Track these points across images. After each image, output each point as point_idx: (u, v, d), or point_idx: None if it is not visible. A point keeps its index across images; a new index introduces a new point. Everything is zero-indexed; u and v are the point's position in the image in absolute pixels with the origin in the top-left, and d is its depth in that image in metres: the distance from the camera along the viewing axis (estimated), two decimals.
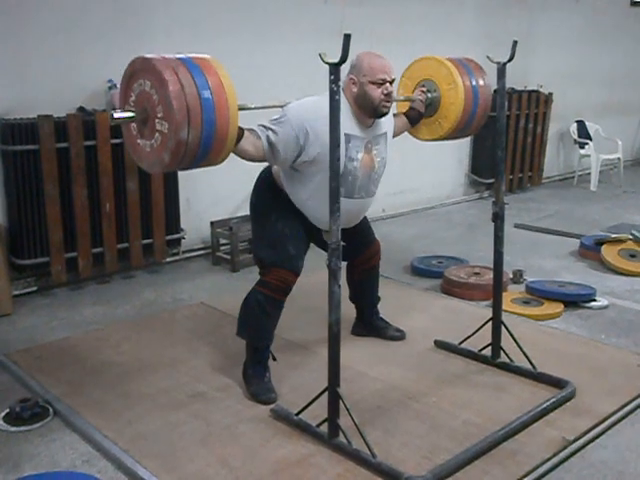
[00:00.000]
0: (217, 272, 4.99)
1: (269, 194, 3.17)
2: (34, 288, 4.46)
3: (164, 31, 4.86)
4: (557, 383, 3.10)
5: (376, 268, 3.60)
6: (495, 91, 3.25)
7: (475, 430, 2.76)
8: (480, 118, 3.55)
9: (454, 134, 3.59)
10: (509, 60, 3.09)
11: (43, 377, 3.24)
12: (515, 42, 3.06)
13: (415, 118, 3.54)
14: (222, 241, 5.14)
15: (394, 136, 3.39)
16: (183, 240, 5.07)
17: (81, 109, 4.45)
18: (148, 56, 2.50)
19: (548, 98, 7.70)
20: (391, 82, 3.01)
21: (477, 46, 6.67)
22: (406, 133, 3.61)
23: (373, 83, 2.96)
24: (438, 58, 3.52)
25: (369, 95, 2.97)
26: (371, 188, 3.20)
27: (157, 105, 2.43)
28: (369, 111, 3.02)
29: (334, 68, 2.36)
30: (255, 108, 2.82)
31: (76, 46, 4.45)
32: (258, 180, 3.25)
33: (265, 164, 3.12)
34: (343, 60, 2.34)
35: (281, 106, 2.95)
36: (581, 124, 8.26)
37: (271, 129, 2.86)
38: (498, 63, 3.10)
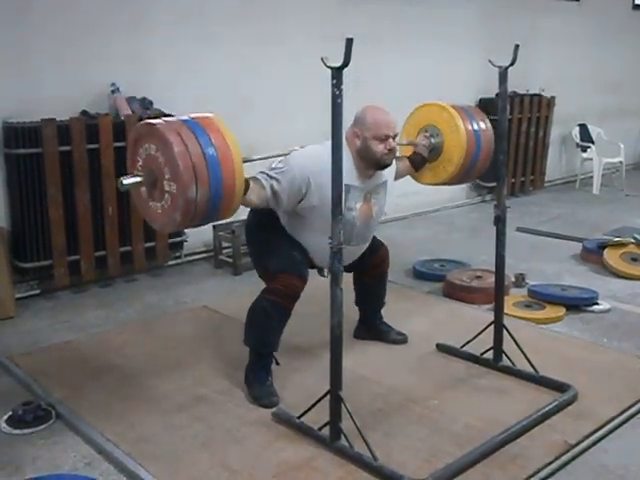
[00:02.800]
0: (219, 275, 4.99)
1: (267, 227, 3.18)
2: (37, 291, 4.47)
3: (167, 35, 4.88)
4: (559, 387, 3.10)
5: (384, 275, 3.60)
6: (497, 95, 3.26)
7: (476, 433, 2.76)
8: (483, 161, 3.59)
9: (458, 178, 3.65)
10: (511, 64, 3.09)
11: (45, 380, 3.25)
12: (517, 46, 3.06)
13: (419, 162, 3.59)
14: (224, 244, 5.15)
15: (396, 179, 3.44)
16: (185, 243, 5.08)
17: (84, 113, 4.47)
18: (151, 121, 2.60)
19: (550, 101, 7.70)
20: (394, 137, 3.06)
21: (479, 50, 6.70)
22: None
23: (376, 138, 3.01)
24: (440, 104, 3.59)
25: (372, 150, 3.02)
26: (368, 235, 3.29)
27: (164, 167, 2.50)
28: (372, 164, 3.08)
29: (336, 72, 2.37)
30: (259, 159, 2.92)
31: (79, 50, 4.47)
32: (253, 219, 3.28)
33: None
34: (345, 64, 2.35)
35: (284, 154, 3.02)
36: (583, 127, 8.26)
37: (275, 178, 2.92)
38: (500, 67, 3.11)
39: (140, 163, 2.62)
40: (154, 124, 2.55)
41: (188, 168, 2.43)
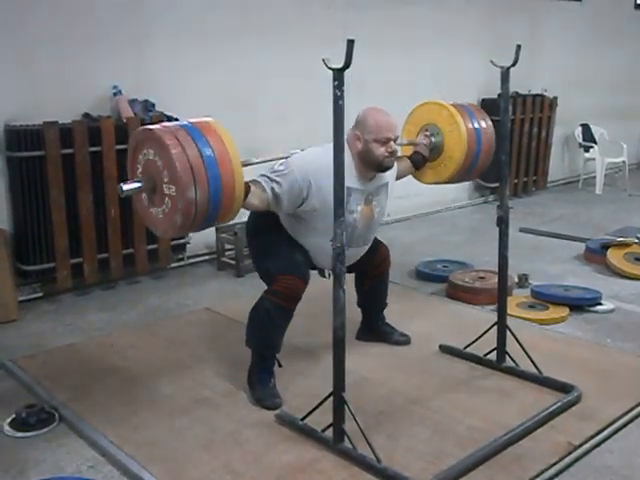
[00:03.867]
0: (222, 277, 4.99)
1: (268, 228, 3.17)
2: (39, 294, 4.48)
3: (169, 37, 4.89)
4: (562, 388, 3.09)
5: (385, 275, 3.60)
6: (499, 95, 3.26)
7: (480, 435, 2.76)
8: (485, 159, 3.60)
9: (459, 176, 3.64)
10: (512, 65, 3.09)
11: (49, 383, 3.25)
12: (519, 46, 3.05)
13: (419, 162, 3.59)
14: (227, 246, 5.15)
15: (397, 179, 3.44)
16: (188, 245, 5.08)
17: (86, 115, 4.47)
18: (148, 127, 2.61)
19: (553, 102, 7.69)
20: (395, 139, 3.06)
21: (481, 50, 6.69)
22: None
23: (377, 141, 3.00)
24: (439, 102, 3.59)
25: (373, 152, 3.02)
26: (369, 237, 3.29)
27: (163, 170, 2.51)
28: (373, 166, 3.08)
29: (338, 73, 2.37)
30: (258, 162, 2.92)
31: (81, 52, 4.47)
32: (254, 221, 3.27)
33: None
34: (347, 65, 2.35)
35: (285, 157, 3.01)
36: (586, 128, 8.25)
37: (276, 181, 2.91)
38: (502, 68, 3.10)
39: (140, 170, 2.64)
40: (151, 129, 2.56)
41: (186, 169, 2.44)
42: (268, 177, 2.93)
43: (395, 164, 3.27)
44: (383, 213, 3.31)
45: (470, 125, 3.50)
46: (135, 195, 2.69)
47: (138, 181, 2.62)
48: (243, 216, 5.18)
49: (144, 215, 2.73)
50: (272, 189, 2.90)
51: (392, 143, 3.04)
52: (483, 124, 3.55)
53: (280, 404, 3.00)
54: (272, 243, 3.14)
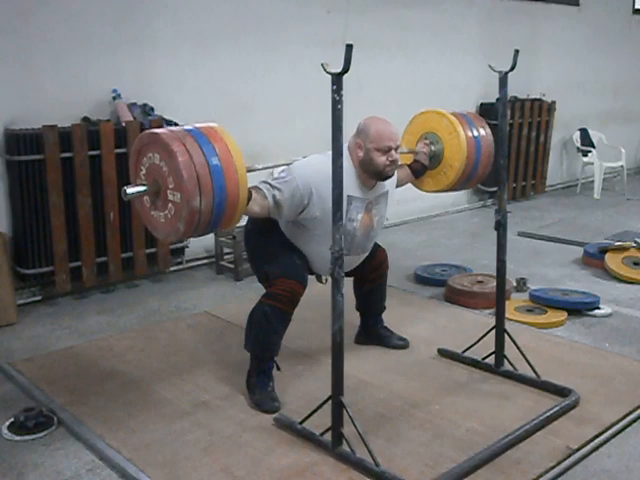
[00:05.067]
0: (221, 281, 5.00)
1: (267, 232, 3.17)
2: (38, 297, 4.48)
3: (168, 41, 4.90)
4: (561, 391, 3.10)
5: (383, 278, 3.60)
6: (497, 100, 3.27)
7: (478, 439, 2.76)
8: (484, 167, 3.60)
9: (459, 184, 3.64)
10: (511, 69, 3.10)
11: (47, 386, 3.25)
12: (517, 51, 3.07)
13: (419, 171, 3.59)
14: (226, 250, 5.16)
15: (397, 187, 3.44)
16: (187, 249, 5.09)
17: (86, 119, 4.48)
18: (155, 130, 2.60)
19: (551, 106, 7.71)
20: (396, 149, 3.05)
21: (479, 54, 6.72)
22: None
23: (379, 150, 2.99)
24: (438, 110, 3.59)
25: (374, 161, 3.01)
26: (367, 245, 3.28)
27: (168, 176, 2.50)
28: (374, 175, 3.08)
29: (336, 78, 2.38)
30: (263, 168, 2.93)
31: (80, 56, 4.48)
32: (252, 224, 3.25)
33: None
34: (345, 70, 2.36)
35: (287, 164, 3.02)
36: (584, 132, 8.28)
37: (277, 188, 2.92)
38: (500, 72, 3.11)
39: (143, 172, 2.62)
40: (158, 133, 2.54)
41: (192, 178, 2.43)
42: (270, 184, 2.93)
43: (395, 172, 3.28)
44: (382, 222, 3.32)
45: (470, 133, 3.50)
46: (137, 197, 2.67)
47: (143, 184, 2.61)
48: (242, 220, 5.22)
49: (145, 217, 2.73)
50: (273, 196, 2.90)
51: (393, 152, 3.03)
52: (482, 132, 3.55)
53: (278, 408, 3.00)
54: (271, 246, 3.14)
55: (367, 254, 3.34)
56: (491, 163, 3.59)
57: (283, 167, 3.02)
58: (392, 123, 3.08)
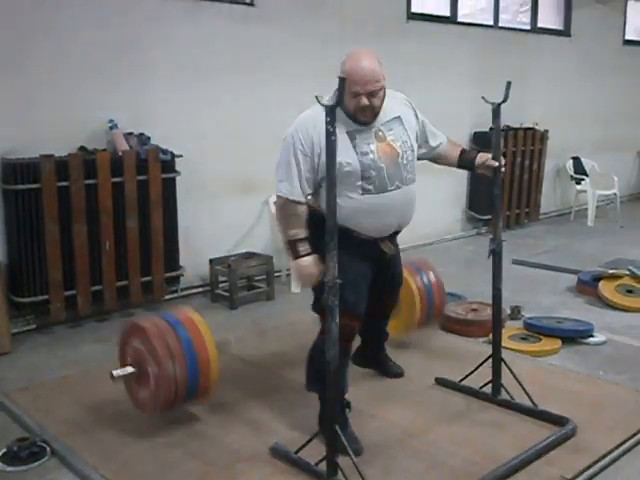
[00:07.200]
0: (216, 309, 4.99)
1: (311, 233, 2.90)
2: (33, 326, 4.47)
3: (165, 72, 4.94)
4: (558, 421, 3.09)
5: (392, 313, 3.54)
6: (491, 129, 3.30)
7: (474, 468, 2.75)
8: (440, 307, 4.12)
9: (424, 321, 4.02)
10: (503, 101, 3.14)
11: (41, 416, 3.23)
12: (509, 83, 3.10)
13: (467, 162, 3.27)
14: (221, 278, 5.16)
15: (427, 156, 3.25)
16: (182, 277, 5.09)
17: (82, 148, 4.51)
18: (134, 319, 3.15)
19: (544, 135, 7.79)
20: (368, 94, 2.77)
21: (472, 84, 6.79)
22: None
23: (349, 92, 2.72)
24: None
25: (346, 103, 2.77)
26: (404, 174, 2.93)
27: (146, 353, 2.98)
28: (351, 116, 2.84)
29: (330, 110, 2.41)
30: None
31: (77, 86, 4.53)
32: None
33: None
34: (338, 103, 2.39)
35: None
36: (577, 160, 8.35)
37: (285, 167, 2.84)
38: (493, 104, 3.15)
39: (129, 360, 3.08)
40: (135, 321, 3.13)
41: (163, 347, 2.92)
42: (279, 179, 2.84)
43: (405, 101, 3.14)
44: (410, 147, 2.99)
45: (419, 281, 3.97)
46: (127, 383, 3.11)
47: (130, 366, 3.06)
48: (239, 247, 5.23)
49: (135, 400, 3.13)
50: (289, 178, 2.80)
51: (363, 98, 2.76)
52: (432, 277, 4.07)
53: (361, 451, 2.83)
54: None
55: (411, 187, 2.99)
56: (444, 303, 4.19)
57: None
58: (373, 60, 2.80)
